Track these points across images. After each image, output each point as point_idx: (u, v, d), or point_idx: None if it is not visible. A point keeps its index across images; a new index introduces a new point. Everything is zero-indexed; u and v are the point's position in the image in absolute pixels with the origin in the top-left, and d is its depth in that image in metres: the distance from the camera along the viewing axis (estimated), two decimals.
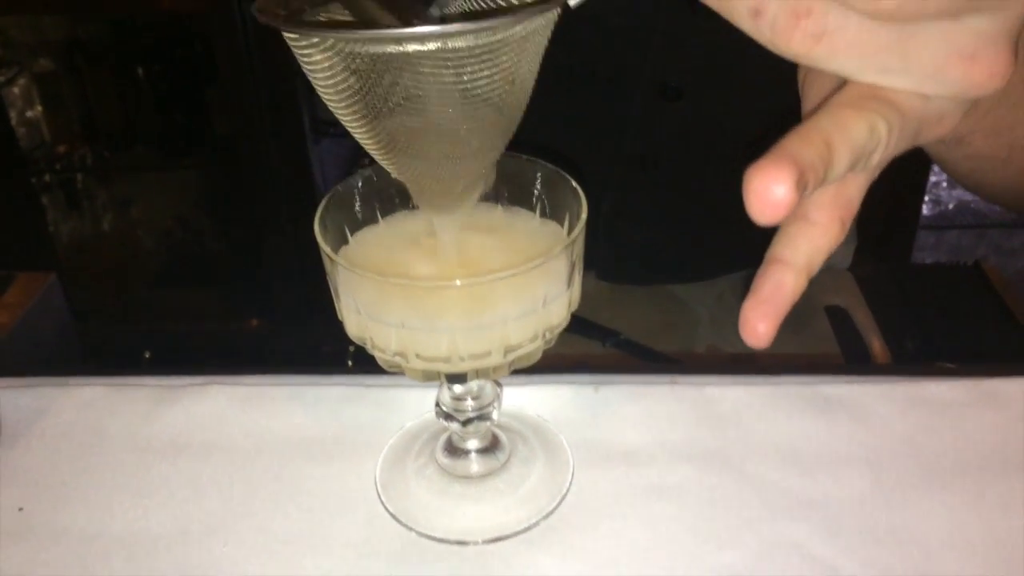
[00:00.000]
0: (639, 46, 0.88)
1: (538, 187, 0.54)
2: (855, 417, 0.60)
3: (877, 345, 1.01)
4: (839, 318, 1.05)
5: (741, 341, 1.09)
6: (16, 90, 2.31)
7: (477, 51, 0.38)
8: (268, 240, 2.16)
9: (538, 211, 0.54)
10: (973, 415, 0.60)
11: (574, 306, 0.51)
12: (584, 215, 0.49)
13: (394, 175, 0.46)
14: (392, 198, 0.55)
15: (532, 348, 0.49)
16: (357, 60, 0.38)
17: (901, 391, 0.62)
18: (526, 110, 0.44)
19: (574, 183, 0.51)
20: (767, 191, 0.33)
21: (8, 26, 2.23)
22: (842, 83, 0.38)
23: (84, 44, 2.27)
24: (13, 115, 2.26)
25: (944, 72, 0.35)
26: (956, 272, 1.24)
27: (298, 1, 0.41)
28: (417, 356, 0.47)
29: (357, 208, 0.53)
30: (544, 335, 0.49)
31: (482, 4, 0.43)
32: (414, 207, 0.55)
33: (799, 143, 0.35)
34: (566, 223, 0.52)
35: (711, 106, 0.90)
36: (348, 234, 0.53)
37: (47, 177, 2.42)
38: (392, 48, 0.37)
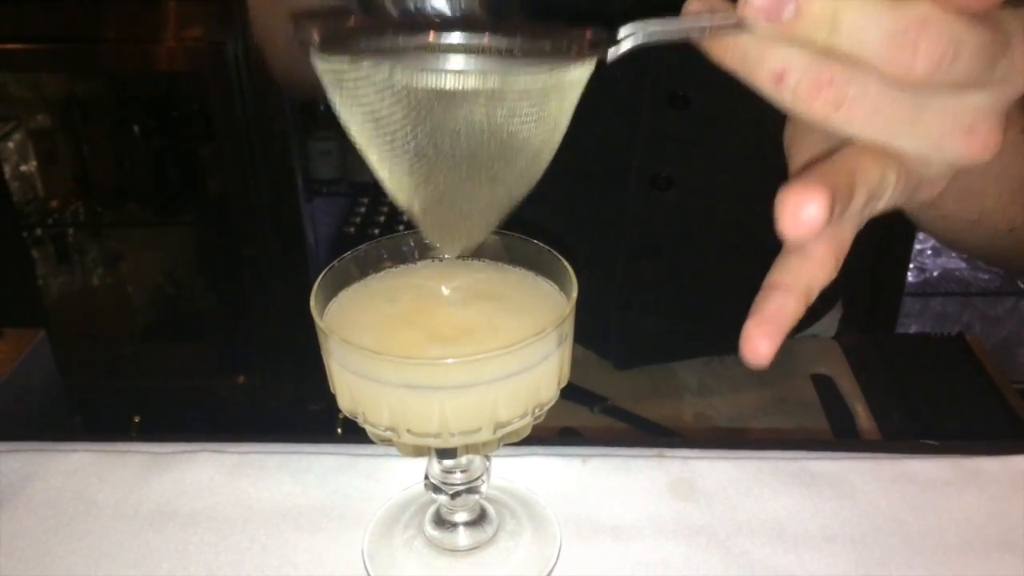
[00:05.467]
0: (627, 141, 0.91)
1: (535, 257, 0.55)
2: (840, 494, 0.61)
3: (862, 413, 1.02)
4: (825, 386, 1.06)
5: (729, 409, 1.10)
6: (11, 145, 2.32)
7: (533, 93, 0.38)
8: (257, 297, 2.17)
9: (534, 272, 0.55)
10: (956, 494, 0.61)
11: (563, 383, 0.52)
12: (575, 294, 0.50)
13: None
14: (382, 261, 0.56)
15: (521, 424, 0.49)
16: (411, 93, 0.38)
17: (886, 468, 0.63)
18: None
19: (566, 263, 0.52)
20: (801, 209, 0.35)
21: (7, 82, 2.26)
22: (830, 146, 0.41)
23: (81, 101, 2.29)
24: (7, 169, 2.27)
25: (945, 141, 0.39)
26: (940, 342, 1.26)
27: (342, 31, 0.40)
28: (408, 431, 0.47)
29: (347, 271, 0.54)
30: (533, 411, 0.49)
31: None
32: (404, 264, 0.56)
33: (829, 170, 0.37)
34: (560, 289, 0.53)
35: (700, 193, 0.94)
36: (336, 291, 0.54)
37: (38, 231, 2.42)
38: (452, 83, 0.36)
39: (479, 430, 0.48)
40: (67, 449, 0.65)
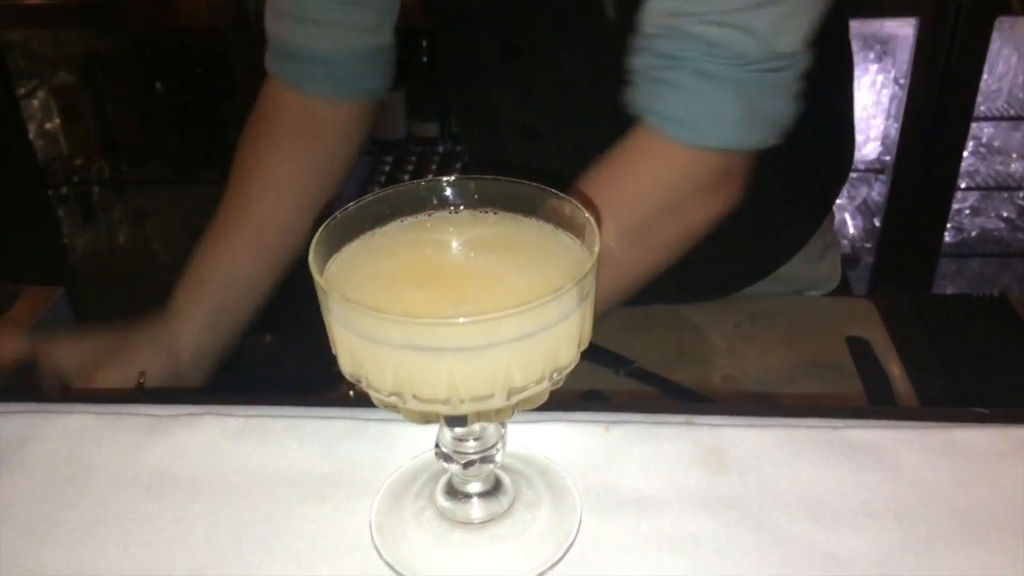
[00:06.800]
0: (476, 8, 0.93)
1: (554, 208, 0.51)
2: (882, 465, 0.57)
3: (899, 378, 0.98)
4: (860, 349, 1.02)
5: (759, 373, 1.08)
6: (36, 103, 2.31)
7: None
8: None
9: (553, 225, 0.51)
10: (1008, 466, 0.56)
11: (584, 344, 0.48)
12: (597, 248, 0.46)
13: None
14: (390, 214, 0.52)
15: (538, 390, 0.45)
16: None
17: (931, 438, 0.58)
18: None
19: (588, 214, 0.48)
20: None
21: (29, 40, 2.23)
22: None
23: (104, 59, 2.27)
24: (32, 128, 2.26)
25: None
26: (981, 303, 1.21)
27: None
28: (414, 397, 0.44)
29: (351, 224, 0.50)
30: (551, 376, 0.45)
31: None
32: (414, 217, 0.52)
33: None
34: (581, 244, 0.49)
35: (550, 64, 0.93)
36: (340, 246, 0.50)
37: (64, 190, 2.41)
38: None
39: (491, 396, 0.44)
40: (65, 411, 0.62)
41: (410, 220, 0.52)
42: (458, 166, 2.44)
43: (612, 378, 0.97)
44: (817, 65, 0.76)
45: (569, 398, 0.87)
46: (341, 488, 0.56)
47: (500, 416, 0.46)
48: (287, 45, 0.91)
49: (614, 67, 0.87)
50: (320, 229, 0.47)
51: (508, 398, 0.44)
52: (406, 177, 2.44)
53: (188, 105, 2.29)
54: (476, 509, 0.54)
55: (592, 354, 0.97)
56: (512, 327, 0.42)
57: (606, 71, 0.88)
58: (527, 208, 0.51)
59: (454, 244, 0.50)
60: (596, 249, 0.46)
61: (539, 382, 0.45)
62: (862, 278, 2.39)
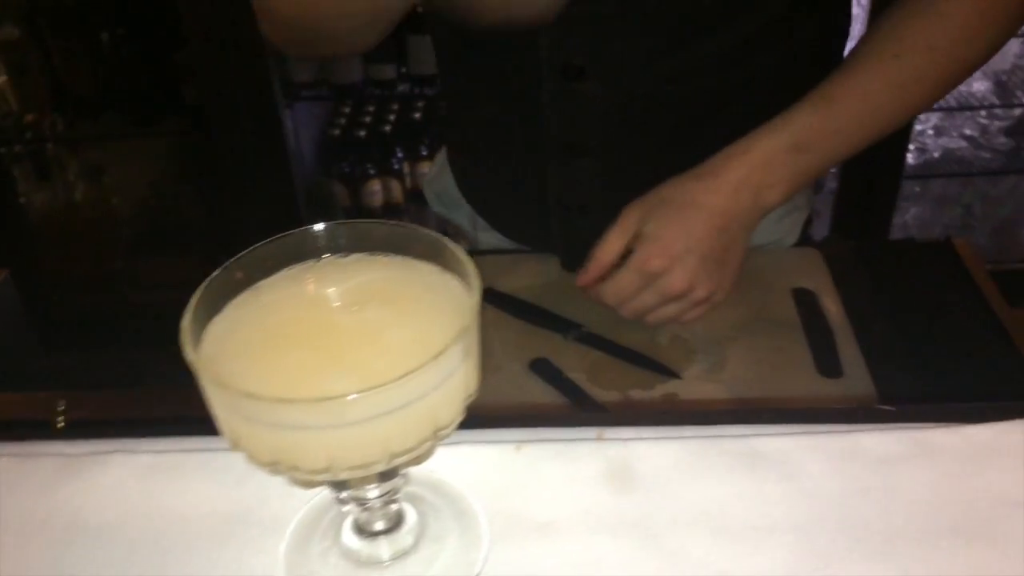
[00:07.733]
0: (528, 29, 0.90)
1: (438, 251, 0.50)
2: (785, 476, 0.58)
3: (843, 330, 0.98)
4: (805, 301, 1.02)
5: (705, 331, 1.14)
6: None
7: None
8: (242, 205, 2.12)
9: (440, 267, 0.51)
10: (907, 471, 0.57)
11: (472, 396, 0.48)
12: (478, 297, 0.46)
13: None
14: (278, 263, 0.51)
15: (421, 451, 0.45)
16: None
17: (834, 444, 0.59)
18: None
19: (466, 257, 0.47)
20: None
21: None
22: None
23: (47, 10, 2.21)
24: None
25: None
26: (926, 249, 1.21)
27: None
28: (294, 468, 0.44)
29: (234, 279, 0.50)
30: (436, 434, 0.46)
31: None
32: (302, 263, 0.52)
33: None
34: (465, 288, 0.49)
35: (615, 80, 0.92)
36: (222, 304, 0.49)
37: (16, 148, 2.37)
38: None
39: (373, 463, 0.44)
40: None
41: (297, 268, 0.51)
42: (420, 104, 2.40)
43: (560, 343, 0.97)
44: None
45: (518, 369, 0.90)
46: (252, 526, 0.57)
47: (384, 478, 0.47)
48: None
49: (679, 79, 0.87)
50: (196, 293, 0.46)
51: (389, 463, 0.44)
52: (367, 119, 2.40)
53: (138, 55, 2.24)
54: (382, 548, 0.54)
55: (540, 319, 0.98)
56: (390, 398, 0.42)
57: (670, 83, 0.88)
58: (416, 251, 0.51)
59: (337, 296, 0.49)
60: (477, 297, 0.46)
61: (421, 443, 0.45)
62: (826, 202, 2.39)
